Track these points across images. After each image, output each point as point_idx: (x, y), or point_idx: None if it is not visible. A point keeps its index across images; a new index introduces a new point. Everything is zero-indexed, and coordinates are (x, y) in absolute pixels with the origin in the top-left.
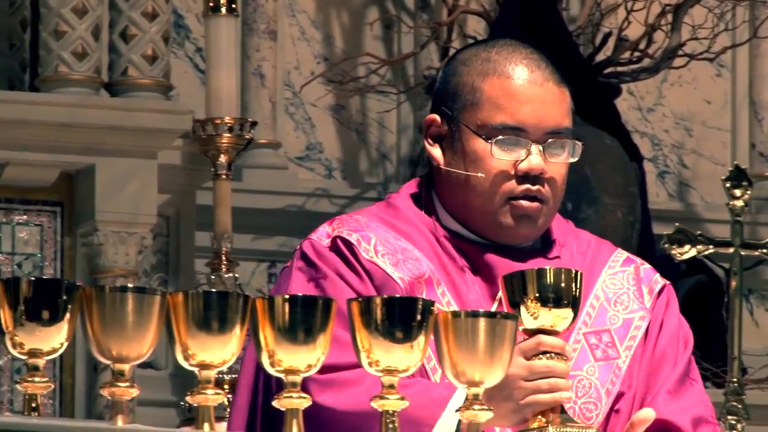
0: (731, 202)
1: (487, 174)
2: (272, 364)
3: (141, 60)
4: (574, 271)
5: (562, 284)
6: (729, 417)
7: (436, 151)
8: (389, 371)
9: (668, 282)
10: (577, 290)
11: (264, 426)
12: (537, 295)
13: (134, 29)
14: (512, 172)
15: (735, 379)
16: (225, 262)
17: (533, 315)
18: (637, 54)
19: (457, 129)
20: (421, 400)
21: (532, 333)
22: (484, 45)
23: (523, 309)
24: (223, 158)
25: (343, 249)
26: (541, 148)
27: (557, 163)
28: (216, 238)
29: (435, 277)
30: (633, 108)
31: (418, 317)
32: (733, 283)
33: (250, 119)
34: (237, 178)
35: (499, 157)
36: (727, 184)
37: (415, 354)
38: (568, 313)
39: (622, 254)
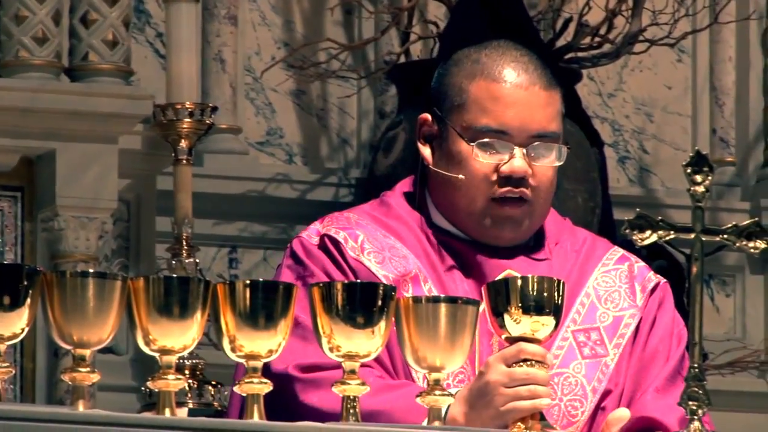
0: (692, 188)
1: (469, 176)
2: (233, 350)
3: (102, 45)
4: (556, 280)
5: (545, 293)
6: (690, 403)
7: (426, 151)
8: (350, 356)
9: (663, 280)
10: (560, 299)
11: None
12: (519, 303)
13: (95, 14)
14: (495, 175)
15: (696, 365)
16: (186, 248)
17: (516, 322)
18: (597, 39)
19: (445, 129)
20: (404, 404)
21: (513, 341)
22: (477, 46)
23: (506, 317)
24: (183, 143)
25: (330, 248)
26: (524, 151)
27: (543, 167)
28: (177, 224)
29: (422, 275)
30: (593, 93)
31: (379, 302)
32: (694, 269)
33: (210, 104)
34: (198, 163)
35: (481, 160)
36: (688, 170)
37: (377, 339)
38: (549, 321)
39: (617, 252)
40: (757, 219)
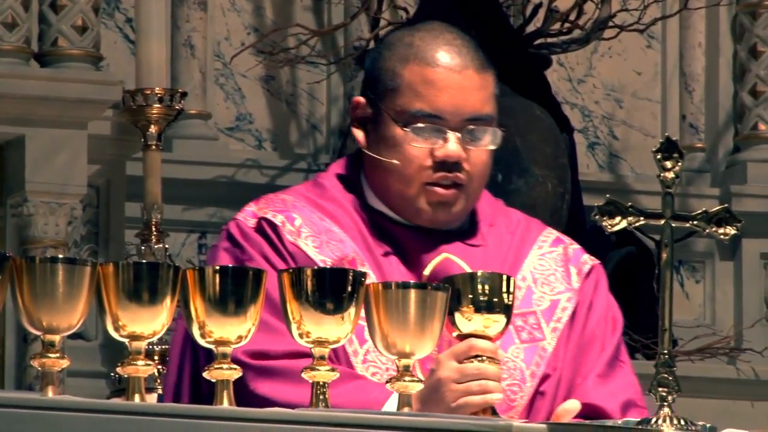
0: (662, 174)
1: (404, 160)
2: (203, 336)
3: (71, 30)
4: (506, 277)
5: (495, 290)
6: (660, 389)
7: (359, 134)
8: (320, 342)
9: (598, 262)
10: (510, 296)
11: (192, 397)
12: (470, 300)
13: (64, 0)
14: (429, 159)
15: (666, 351)
16: (155, 233)
17: (467, 319)
18: (567, 25)
19: (379, 113)
20: (355, 399)
21: (464, 338)
22: (410, 28)
23: (457, 315)
24: (153, 129)
25: (268, 231)
26: (459, 135)
27: (477, 150)
28: (146, 209)
29: (359, 258)
30: (563, 79)
31: (349, 289)
32: (664, 255)
33: (180, 90)
34: (167, 148)
35: (415, 145)
36: (658, 156)
37: (346, 325)
38: (501, 318)
39: (551, 234)
40: (726, 205)
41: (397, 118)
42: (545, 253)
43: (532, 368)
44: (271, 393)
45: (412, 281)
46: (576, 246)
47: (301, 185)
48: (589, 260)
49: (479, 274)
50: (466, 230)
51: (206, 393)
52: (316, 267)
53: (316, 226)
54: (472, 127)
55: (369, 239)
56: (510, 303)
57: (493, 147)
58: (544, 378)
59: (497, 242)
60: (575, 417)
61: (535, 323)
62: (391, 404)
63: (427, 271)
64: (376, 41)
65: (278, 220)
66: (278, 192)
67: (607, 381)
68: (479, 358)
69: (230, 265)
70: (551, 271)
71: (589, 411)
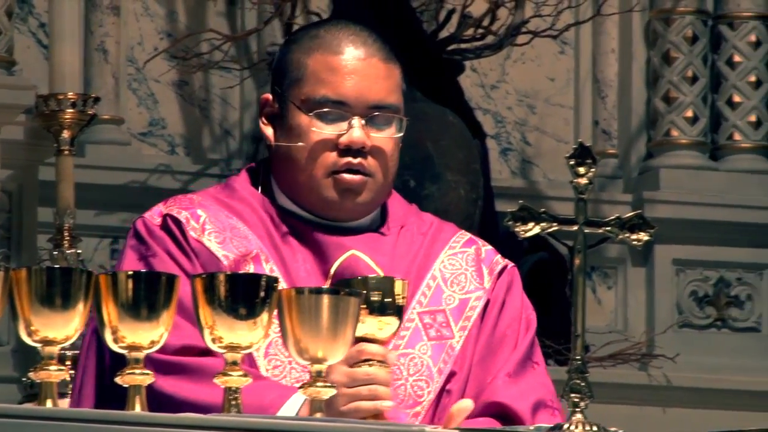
0: (575, 180)
1: (309, 148)
2: (115, 341)
3: None
4: (401, 280)
5: (388, 292)
6: (572, 395)
7: (268, 130)
8: (232, 348)
9: (511, 263)
10: (402, 298)
11: (99, 402)
12: (365, 303)
13: None
14: (334, 146)
15: (578, 357)
16: (67, 238)
17: (360, 322)
18: (480, 31)
19: (285, 106)
20: (252, 402)
21: (356, 341)
22: (316, 24)
23: None
24: (65, 134)
25: (172, 227)
26: (363, 121)
27: (382, 138)
28: (59, 214)
29: (263, 254)
30: (476, 85)
31: (262, 294)
32: (577, 261)
33: (93, 95)
34: (80, 153)
35: (319, 130)
36: (571, 162)
37: (259, 331)
38: (393, 321)
39: (464, 236)
40: (639, 211)
41: (302, 107)
42: (457, 253)
43: (439, 365)
44: (171, 389)
45: (324, 287)
46: (489, 247)
47: (211, 188)
48: (501, 260)
49: (371, 277)
50: (375, 230)
51: (109, 384)
52: (229, 272)
53: (221, 223)
54: (376, 114)
55: (276, 236)
56: (402, 305)
57: (399, 135)
58: (451, 375)
59: (408, 242)
60: (487, 416)
61: (444, 321)
62: (288, 408)
63: (333, 268)
64: None
65: (182, 216)
66: (188, 193)
67: (518, 380)
68: (369, 362)
69: (143, 271)
70: (461, 271)
71: (498, 410)
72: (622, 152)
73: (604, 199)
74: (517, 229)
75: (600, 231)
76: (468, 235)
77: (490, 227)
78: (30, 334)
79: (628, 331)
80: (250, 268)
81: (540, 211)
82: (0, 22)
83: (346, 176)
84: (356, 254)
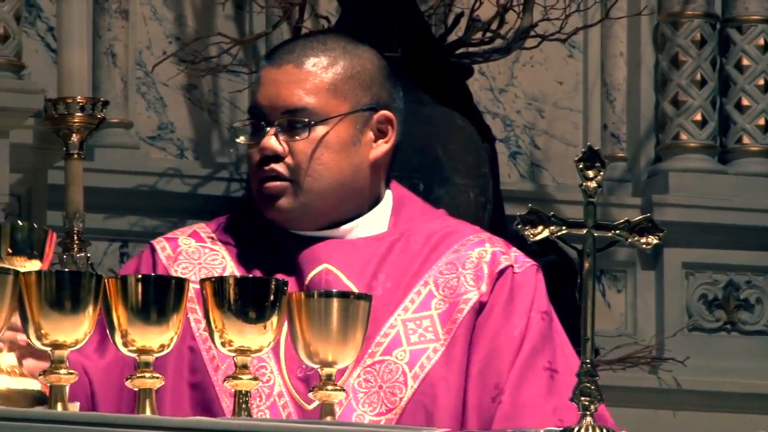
0: (584, 183)
1: (249, 162)
2: (125, 344)
3: None
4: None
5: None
6: (582, 398)
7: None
8: (242, 351)
9: (521, 265)
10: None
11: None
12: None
13: None
14: (258, 157)
15: (588, 361)
16: (77, 242)
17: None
18: (489, 35)
19: None
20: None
21: None
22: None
23: None
24: (74, 138)
25: (148, 253)
26: (274, 128)
27: (301, 142)
28: (68, 218)
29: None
30: (485, 89)
31: (272, 297)
32: (586, 265)
33: (102, 99)
34: (89, 157)
35: (240, 142)
36: (580, 165)
37: (269, 334)
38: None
39: (477, 237)
40: (648, 214)
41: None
42: (459, 257)
43: (415, 370)
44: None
45: (334, 290)
46: (498, 248)
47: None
48: (504, 261)
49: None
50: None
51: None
52: (238, 276)
53: (199, 253)
54: (289, 119)
55: (255, 251)
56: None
57: (314, 137)
58: (429, 382)
59: (402, 251)
60: None
61: (430, 326)
62: None
63: (306, 281)
64: None
65: (160, 245)
66: (218, 218)
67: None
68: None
69: (152, 274)
70: (456, 275)
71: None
72: (630, 156)
73: (613, 202)
74: (526, 233)
75: (609, 234)
76: (482, 237)
77: (499, 231)
78: (40, 337)
79: (637, 335)
80: None
81: (549, 214)
82: (8, 26)
83: (265, 184)
84: (329, 268)
